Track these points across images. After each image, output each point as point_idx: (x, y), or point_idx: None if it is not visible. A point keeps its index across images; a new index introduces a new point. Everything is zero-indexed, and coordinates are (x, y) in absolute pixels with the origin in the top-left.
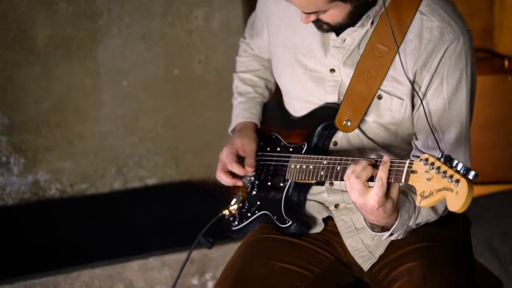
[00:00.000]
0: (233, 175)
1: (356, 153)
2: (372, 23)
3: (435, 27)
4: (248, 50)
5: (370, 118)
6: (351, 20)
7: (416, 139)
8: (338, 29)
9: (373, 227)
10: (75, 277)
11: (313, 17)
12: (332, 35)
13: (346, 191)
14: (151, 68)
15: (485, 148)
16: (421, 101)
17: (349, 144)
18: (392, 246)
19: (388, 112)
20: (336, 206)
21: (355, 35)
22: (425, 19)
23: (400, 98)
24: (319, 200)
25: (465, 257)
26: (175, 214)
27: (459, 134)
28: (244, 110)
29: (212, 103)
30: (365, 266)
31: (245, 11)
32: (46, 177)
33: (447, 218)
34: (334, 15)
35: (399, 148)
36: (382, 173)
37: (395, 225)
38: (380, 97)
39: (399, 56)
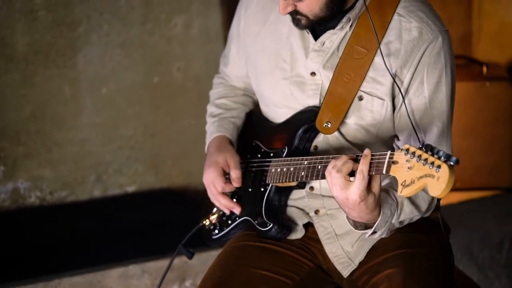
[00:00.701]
0: None
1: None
2: (350, 26)
3: (414, 28)
4: (223, 82)
5: (351, 120)
6: (329, 12)
7: (398, 139)
8: (316, 27)
9: (356, 225)
10: (55, 285)
11: (291, 7)
12: (312, 39)
13: (326, 196)
14: (131, 76)
15: (465, 154)
16: (403, 99)
17: (330, 147)
18: (372, 252)
19: (369, 113)
20: (316, 212)
21: (334, 38)
22: (404, 20)
23: (381, 99)
24: (300, 206)
25: (445, 264)
26: (155, 222)
27: (440, 133)
28: (218, 126)
29: (192, 110)
30: (345, 273)
31: (224, 18)
32: (25, 184)
33: (428, 225)
34: (312, 3)
35: (380, 151)
36: (363, 166)
37: (377, 221)
38: (361, 98)
39: (381, 53)
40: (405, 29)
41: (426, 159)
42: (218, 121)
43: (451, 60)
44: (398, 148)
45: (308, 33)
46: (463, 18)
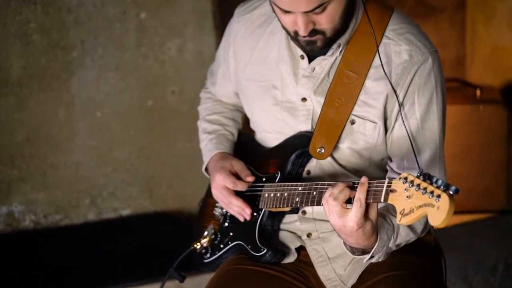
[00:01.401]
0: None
1: (329, 180)
2: (340, 51)
3: (403, 51)
4: (211, 97)
5: (344, 145)
6: (343, 20)
7: (391, 161)
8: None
9: (353, 251)
10: None
11: (311, 24)
12: (303, 64)
13: (319, 220)
14: (125, 99)
15: (458, 177)
16: (402, 119)
17: (323, 172)
18: (365, 275)
19: (362, 136)
20: (309, 235)
21: (324, 64)
22: (393, 43)
23: (373, 122)
24: (292, 229)
25: (438, 287)
26: (149, 245)
27: (433, 153)
28: (217, 144)
29: (186, 133)
30: None
31: (218, 42)
32: (20, 208)
33: (421, 247)
34: (333, 12)
35: (372, 174)
36: (360, 194)
37: (375, 247)
38: (353, 122)
39: (380, 59)
40: (394, 52)
41: (425, 188)
42: (216, 138)
43: (441, 81)
44: (391, 169)
45: (302, 58)
46: (457, 42)
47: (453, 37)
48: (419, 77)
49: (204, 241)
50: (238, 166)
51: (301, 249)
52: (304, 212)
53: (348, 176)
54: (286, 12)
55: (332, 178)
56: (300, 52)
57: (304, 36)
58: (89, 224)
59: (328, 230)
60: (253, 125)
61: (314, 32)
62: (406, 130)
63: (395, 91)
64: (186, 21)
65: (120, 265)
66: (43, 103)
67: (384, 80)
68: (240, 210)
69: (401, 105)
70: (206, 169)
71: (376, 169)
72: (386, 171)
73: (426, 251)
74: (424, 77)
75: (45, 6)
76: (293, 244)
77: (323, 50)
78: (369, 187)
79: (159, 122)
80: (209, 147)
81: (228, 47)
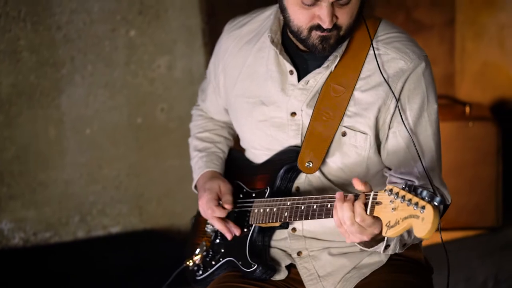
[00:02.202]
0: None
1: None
2: (335, 65)
3: (392, 60)
4: (202, 114)
5: (334, 159)
6: (354, 24)
7: (389, 169)
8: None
9: (367, 245)
10: None
11: (334, 18)
12: (291, 79)
13: (309, 238)
14: (114, 117)
15: None
16: (401, 117)
17: (312, 187)
18: None
19: (353, 149)
20: (299, 253)
21: (318, 77)
22: (381, 53)
23: (364, 133)
24: (282, 247)
25: None
26: (139, 263)
27: (429, 157)
28: (207, 162)
29: (175, 151)
30: None
31: (207, 59)
32: (9, 225)
33: (411, 265)
34: (353, 6)
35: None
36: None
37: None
38: (344, 134)
39: (377, 62)
40: (383, 62)
41: (410, 200)
42: (206, 156)
43: (433, 85)
44: (391, 174)
45: (292, 73)
46: (446, 58)
47: (442, 53)
48: (409, 84)
49: (196, 258)
50: (224, 189)
51: (291, 267)
52: (294, 229)
53: (338, 191)
54: (310, 5)
55: (321, 193)
56: (289, 67)
57: (323, 31)
58: (78, 241)
59: (318, 249)
60: (242, 143)
61: (333, 27)
62: (406, 128)
63: (387, 100)
64: (176, 39)
65: (110, 283)
66: (32, 120)
67: (375, 91)
68: (224, 231)
69: (393, 113)
70: (196, 186)
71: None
72: (377, 185)
73: (416, 269)
74: (414, 83)
75: (35, 23)
76: (284, 262)
77: (317, 63)
78: (355, 199)
79: (148, 140)
80: (199, 165)
81: (217, 63)
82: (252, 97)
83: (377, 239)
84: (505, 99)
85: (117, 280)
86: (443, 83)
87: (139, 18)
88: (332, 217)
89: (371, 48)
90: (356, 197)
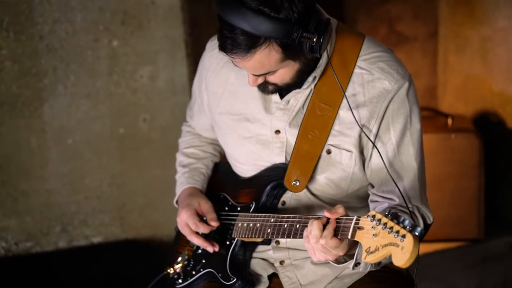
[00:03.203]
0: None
1: (304, 211)
2: (315, 84)
3: (376, 80)
4: (191, 131)
5: (320, 176)
6: (299, 79)
7: (372, 187)
8: (282, 90)
9: (337, 261)
10: None
11: (261, 80)
12: (274, 97)
13: (292, 249)
14: (97, 127)
15: (430, 206)
16: (374, 146)
17: (298, 203)
18: None
19: (338, 165)
20: (281, 262)
21: (299, 96)
22: (365, 73)
23: (349, 151)
24: (264, 257)
25: None
26: (120, 273)
27: (411, 176)
28: (188, 178)
29: (158, 161)
30: None
31: (190, 70)
32: None
33: (392, 277)
34: (283, 75)
35: (349, 204)
36: (326, 231)
37: (356, 251)
38: (329, 152)
39: (349, 104)
40: (367, 82)
41: (391, 227)
42: (188, 172)
43: (416, 104)
44: (373, 193)
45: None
46: (429, 71)
47: (425, 66)
48: (393, 104)
49: (178, 267)
50: (206, 207)
51: (273, 277)
52: (277, 242)
53: (324, 207)
54: None
55: (307, 209)
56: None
57: None
58: (60, 251)
59: (301, 258)
60: (228, 158)
61: (265, 82)
62: (382, 157)
63: (371, 120)
64: (158, 49)
65: None
66: (14, 130)
67: (359, 110)
68: (205, 245)
69: (377, 133)
70: (178, 201)
71: (352, 198)
72: (363, 199)
73: (398, 280)
74: (398, 103)
75: (17, 33)
76: (266, 272)
77: (299, 79)
78: (338, 223)
79: (130, 150)
80: (181, 181)
81: (201, 81)
82: (237, 114)
83: (349, 254)
84: (487, 112)
85: None
86: (425, 95)
87: (122, 28)
88: None
89: (356, 67)
90: (328, 220)
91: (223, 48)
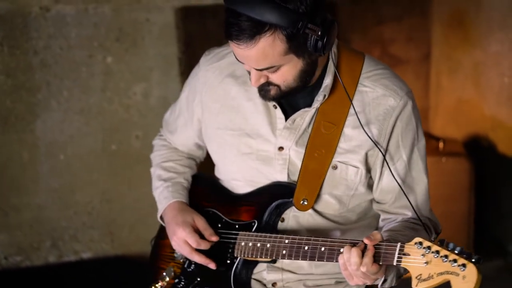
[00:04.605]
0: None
1: (303, 230)
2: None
3: (381, 97)
4: (166, 144)
5: (325, 193)
6: (301, 83)
7: (381, 203)
8: (286, 105)
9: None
10: None
11: (263, 79)
12: (278, 113)
13: (287, 270)
14: (89, 143)
15: None
16: (384, 158)
17: (297, 219)
18: None
19: (343, 181)
20: (274, 284)
21: (305, 115)
22: (369, 90)
23: (355, 167)
24: (257, 278)
25: None
26: None
27: (423, 191)
28: (173, 192)
29: (149, 178)
30: None
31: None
32: None
33: None
34: (285, 73)
35: (348, 218)
36: (366, 259)
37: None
38: (335, 168)
39: (358, 117)
40: (372, 99)
41: (446, 256)
42: (171, 186)
43: (420, 120)
44: (384, 210)
45: (275, 107)
46: (421, 94)
47: (417, 89)
48: (401, 121)
49: (162, 284)
50: (201, 223)
51: None
52: (274, 261)
53: (323, 223)
54: (242, 62)
55: (307, 225)
56: (272, 102)
57: None
58: (49, 266)
59: (293, 280)
60: (220, 173)
61: (267, 83)
62: (393, 175)
63: (379, 138)
64: (152, 67)
65: None
66: (7, 144)
67: (366, 128)
68: (207, 263)
69: (386, 150)
70: (162, 217)
71: (350, 213)
72: (359, 214)
73: None
74: (405, 120)
75: (12, 47)
76: None
77: (304, 100)
78: (377, 249)
79: (122, 166)
80: (165, 195)
81: (193, 95)
82: (237, 129)
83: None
84: (479, 136)
85: None
86: None
87: (116, 45)
88: (336, 261)
89: (359, 85)
90: (366, 246)
91: (228, 35)
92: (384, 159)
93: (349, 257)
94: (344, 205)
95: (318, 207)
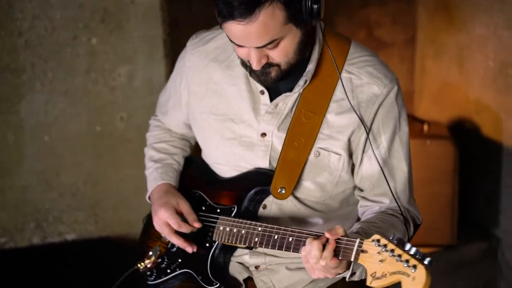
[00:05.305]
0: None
1: (286, 217)
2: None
3: (365, 84)
4: (160, 125)
5: (306, 180)
6: (300, 56)
7: (361, 190)
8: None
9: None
10: None
11: (265, 59)
12: (264, 99)
13: (269, 254)
14: (74, 124)
15: None
16: (368, 137)
17: (279, 206)
18: None
19: (326, 168)
20: (257, 267)
21: (287, 100)
22: (354, 78)
23: (337, 154)
24: (240, 261)
25: None
26: (94, 270)
27: (402, 179)
28: (162, 174)
29: (133, 160)
30: None
31: (168, 70)
32: None
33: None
34: (287, 47)
35: (331, 206)
36: (327, 253)
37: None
38: (317, 155)
39: (344, 90)
40: (356, 86)
41: (399, 255)
42: (161, 168)
43: (404, 108)
44: (363, 197)
45: (263, 93)
46: (406, 77)
47: (402, 72)
48: (383, 108)
49: (148, 262)
50: (185, 207)
51: (248, 280)
52: (250, 248)
53: (305, 211)
54: (240, 45)
55: (289, 212)
56: (260, 87)
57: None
58: (34, 247)
59: (276, 263)
60: (205, 157)
61: (268, 65)
62: (377, 159)
63: (362, 123)
64: (137, 49)
65: None
66: None
67: (349, 114)
68: (184, 246)
69: (368, 137)
70: (150, 197)
71: (333, 200)
72: (342, 201)
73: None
74: (388, 107)
75: None
76: (241, 276)
77: (287, 86)
78: (338, 243)
79: (106, 148)
80: (154, 176)
81: (180, 79)
82: (220, 114)
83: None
84: (463, 119)
85: (71, 287)
86: None
87: (101, 26)
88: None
89: (343, 71)
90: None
91: (226, 14)
92: (368, 138)
93: (310, 250)
94: (327, 193)
95: (300, 194)
